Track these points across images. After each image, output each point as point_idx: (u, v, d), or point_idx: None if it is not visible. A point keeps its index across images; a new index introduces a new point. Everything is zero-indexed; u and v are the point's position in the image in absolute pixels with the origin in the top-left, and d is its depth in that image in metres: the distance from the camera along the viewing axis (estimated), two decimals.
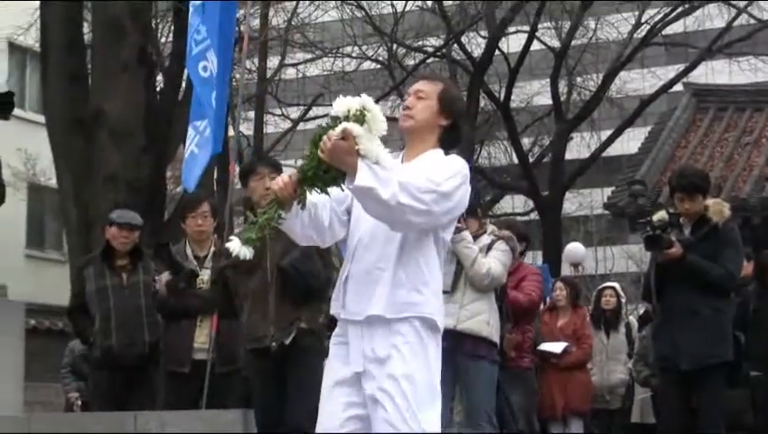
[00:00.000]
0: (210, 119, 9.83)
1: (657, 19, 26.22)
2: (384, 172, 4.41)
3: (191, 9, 10.20)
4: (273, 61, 25.44)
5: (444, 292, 8.37)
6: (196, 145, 9.96)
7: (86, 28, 17.58)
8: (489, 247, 8.61)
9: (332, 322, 4.96)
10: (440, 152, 4.87)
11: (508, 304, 9.03)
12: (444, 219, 4.67)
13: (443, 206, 4.56)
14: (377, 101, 17.25)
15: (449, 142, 4.95)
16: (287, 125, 27.55)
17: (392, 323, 4.60)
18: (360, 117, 4.45)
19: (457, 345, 8.41)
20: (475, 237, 8.63)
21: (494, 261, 8.52)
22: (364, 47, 26.95)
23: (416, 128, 4.91)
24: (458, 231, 8.48)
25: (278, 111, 27.66)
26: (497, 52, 26.09)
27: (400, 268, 4.63)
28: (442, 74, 27.52)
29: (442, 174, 4.60)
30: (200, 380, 8.48)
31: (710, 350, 8.33)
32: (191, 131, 10.08)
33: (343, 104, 4.51)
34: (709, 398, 8.43)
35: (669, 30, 26.99)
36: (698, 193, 8.45)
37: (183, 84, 17.26)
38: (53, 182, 18.26)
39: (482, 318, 8.49)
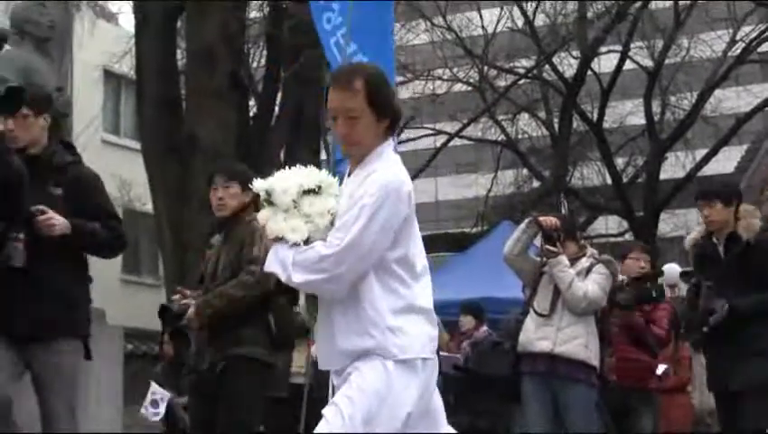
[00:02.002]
0: None
1: (752, 36, 25.85)
2: (282, 252, 4.31)
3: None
4: None
5: (542, 315, 8.44)
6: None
7: (179, 55, 17.77)
8: (588, 270, 8.52)
9: None
10: (380, 153, 4.46)
11: (608, 326, 8.91)
12: (363, 265, 4.32)
13: (350, 261, 4.27)
14: (468, 124, 17.25)
15: (391, 130, 4.54)
16: None
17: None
18: (267, 199, 4.39)
19: (554, 369, 8.35)
20: (574, 260, 8.55)
21: (592, 285, 8.42)
22: (455, 69, 26.88)
23: (365, 149, 4.47)
24: (554, 254, 8.41)
25: None
26: (589, 73, 25.90)
27: (341, 319, 4.39)
28: (531, 94, 27.41)
29: (351, 217, 4.30)
30: (298, 404, 8.47)
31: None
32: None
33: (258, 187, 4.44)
34: None
35: (764, 47, 26.58)
36: (717, 199, 7.99)
37: (276, 109, 17.34)
38: (149, 207, 18.45)
39: (580, 342, 8.40)
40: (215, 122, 15.02)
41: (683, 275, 8.13)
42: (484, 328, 12.47)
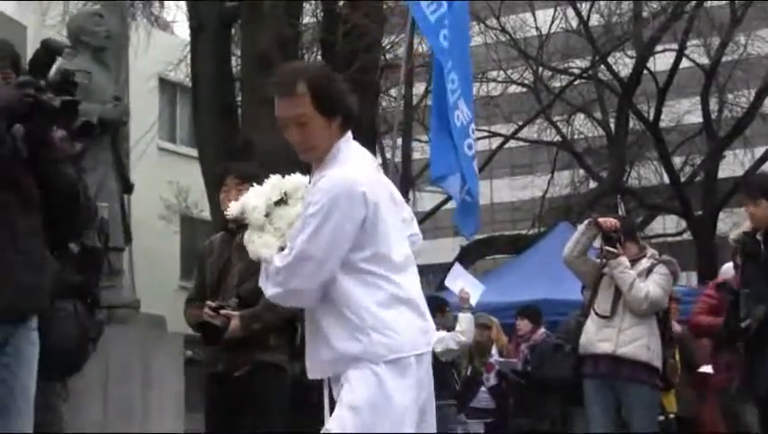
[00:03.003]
0: (464, 167, 9.82)
1: None
2: (263, 269, 4.31)
3: (438, 53, 10.15)
4: (419, 88, 25.46)
5: (603, 317, 8.39)
6: (467, 193, 9.95)
7: (234, 61, 17.85)
8: (649, 271, 8.46)
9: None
10: (336, 154, 4.32)
11: (671, 328, 8.84)
12: (320, 275, 4.19)
13: (302, 272, 4.18)
14: (523, 126, 17.17)
15: (347, 126, 4.38)
16: None
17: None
18: (243, 221, 4.38)
19: (616, 370, 8.32)
20: (635, 260, 8.50)
21: (653, 285, 8.37)
22: (509, 71, 26.82)
23: (324, 152, 4.33)
24: (615, 256, 8.36)
25: (425, 138, 27.66)
26: (645, 72, 25.72)
27: (326, 327, 4.27)
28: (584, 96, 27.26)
29: (296, 230, 4.21)
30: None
31: None
32: (453, 180, 10.02)
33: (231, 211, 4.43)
34: None
35: None
36: (762, 196, 7.71)
37: None
38: (205, 214, 18.53)
39: (642, 343, 8.35)
40: (271, 128, 14.85)
41: None
42: (542, 331, 12.40)
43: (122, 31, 11.55)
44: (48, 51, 5.38)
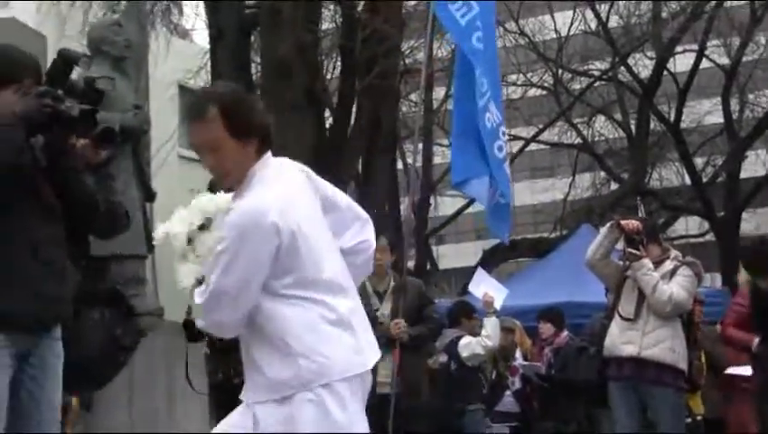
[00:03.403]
0: (495, 169, 9.81)
1: None
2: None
3: (470, 57, 10.14)
4: (438, 93, 25.45)
5: (627, 319, 8.36)
6: (500, 195, 9.94)
7: (253, 69, 17.85)
8: (672, 272, 8.42)
9: None
10: (250, 180, 4.20)
11: (695, 330, 8.79)
12: (239, 308, 4.09)
13: (220, 308, 4.11)
14: (543, 128, 17.12)
15: (264, 148, 4.25)
16: None
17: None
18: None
19: (641, 373, 8.29)
20: (658, 262, 8.46)
21: (677, 287, 8.33)
22: (529, 74, 26.77)
23: (240, 177, 4.21)
24: (637, 258, 8.32)
25: (446, 142, 27.66)
26: (665, 73, 25.64)
27: (257, 353, 4.20)
28: (606, 96, 27.17)
29: (210, 266, 4.11)
30: (385, 414, 8.47)
31: None
32: (476, 184, 9.99)
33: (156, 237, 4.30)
34: None
35: None
36: None
37: (352, 121, 17.36)
38: None
39: (666, 345, 8.32)
40: (292, 134, 15.02)
41: None
42: (565, 334, 12.39)
43: (141, 39, 11.58)
44: (65, 60, 5.38)
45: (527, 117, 27.88)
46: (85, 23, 18.01)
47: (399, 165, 23.62)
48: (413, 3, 19.41)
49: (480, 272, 11.59)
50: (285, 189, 4.20)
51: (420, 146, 25.30)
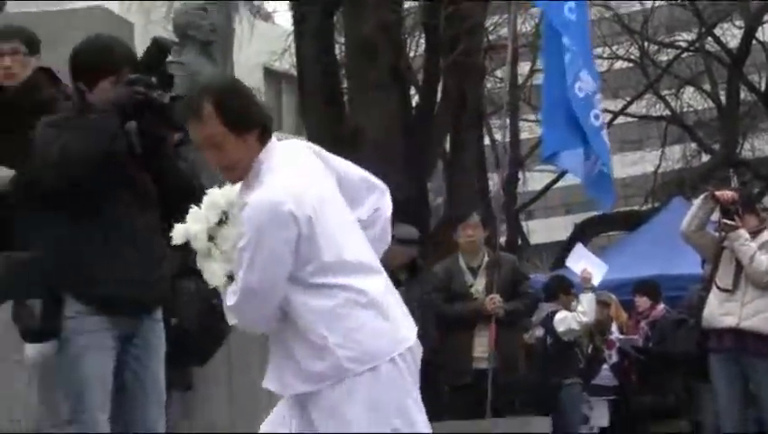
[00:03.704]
0: (592, 138, 9.77)
1: None
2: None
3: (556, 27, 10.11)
4: (523, 68, 25.31)
5: (725, 291, 8.26)
6: (602, 164, 9.91)
7: (338, 48, 17.89)
8: None
9: None
10: (258, 172, 4.12)
11: None
12: (269, 302, 4.04)
13: (251, 306, 4.04)
14: (631, 101, 16.90)
15: (266, 135, 4.16)
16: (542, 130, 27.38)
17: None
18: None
19: (741, 344, 8.21)
20: (755, 233, 8.36)
21: None
22: (615, 47, 26.49)
23: (245, 170, 4.14)
24: (733, 229, 8.22)
25: (532, 117, 27.53)
26: (754, 42, 25.23)
27: (291, 344, 4.10)
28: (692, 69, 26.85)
29: (236, 266, 4.04)
30: (482, 389, 8.47)
31: None
32: (567, 156, 9.94)
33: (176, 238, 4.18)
34: None
35: None
36: None
37: (438, 97, 17.33)
38: None
39: (766, 316, 8.21)
40: (378, 114, 15.06)
41: None
42: (661, 307, 12.27)
43: (227, 23, 11.60)
44: (159, 48, 5.42)
45: (614, 89, 27.60)
46: (170, 9, 18.17)
47: (486, 142, 23.47)
48: None
49: (579, 247, 11.53)
50: (295, 174, 4.11)
51: (507, 121, 25.25)
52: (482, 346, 8.71)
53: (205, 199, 4.16)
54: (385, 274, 4.23)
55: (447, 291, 9.04)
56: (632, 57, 26.59)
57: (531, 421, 8.20)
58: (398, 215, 7.68)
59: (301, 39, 16.99)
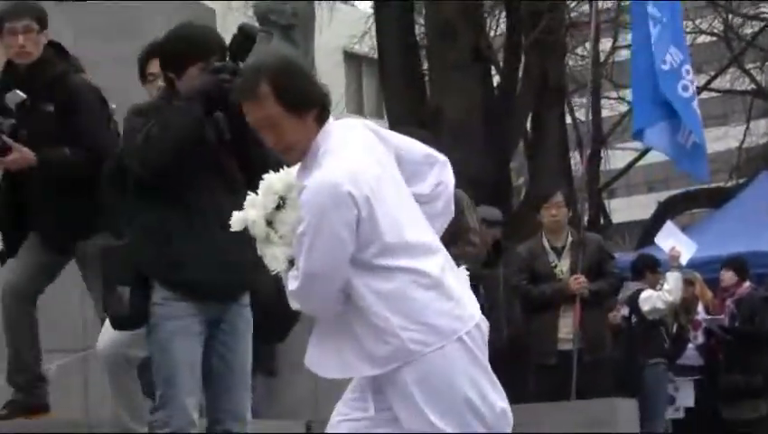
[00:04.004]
0: (681, 109, 9.71)
1: None
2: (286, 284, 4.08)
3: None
4: (605, 45, 25.08)
5: None
6: (696, 136, 9.87)
7: (417, 30, 17.87)
8: None
9: None
10: (316, 153, 4.05)
11: None
12: (332, 286, 3.99)
13: (314, 291, 4.00)
14: (715, 76, 16.69)
15: (324, 115, 4.08)
16: (624, 108, 27.13)
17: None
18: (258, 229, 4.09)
19: None
20: None
21: None
22: (698, 20, 26.14)
23: (303, 151, 4.07)
24: None
25: (614, 95, 27.30)
26: None
27: (356, 327, 4.04)
28: None
29: (297, 250, 3.99)
30: (567, 370, 8.45)
31: None
32: (652, 132, 9.89)
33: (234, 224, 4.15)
34: None
35: None
36: None
37: (520, 76, 17.26)
38: None
39: None
40: (460, 95, 15.05)
41: None
42: (747, 284, 12.11)
43: (308, 7, 11.65)
44: (246, 35, 5.45)
45: (697, 64, 27.23)
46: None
47: (568, 120, 23.30)
48: None
49: (669, 225, 11.43)
50: (353, 155, 4.04)
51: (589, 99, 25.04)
52: (566, 327, 8.68)
53: (262, 184, 4.10)
54: (445, 252, 4.18)
55: (531, 272, 9.02)
56: (716, 30, 26.23)
57: (617, 403, 8.14)
58: (481, 196, 7.74)
59: (381, 21, 17.00)
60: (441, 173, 4.35)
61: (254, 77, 4.04)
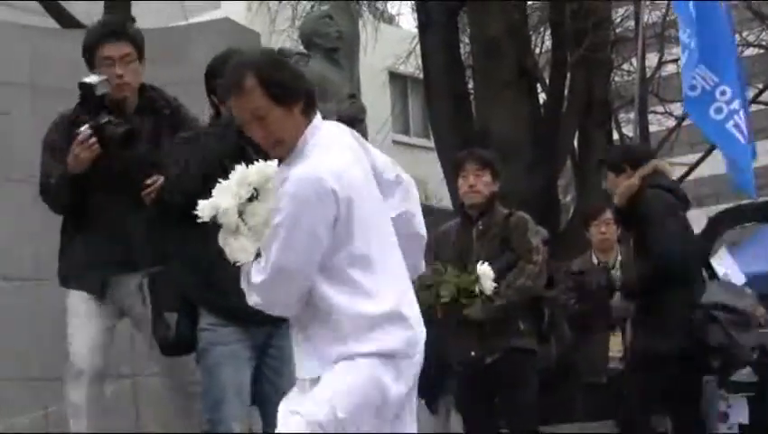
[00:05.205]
0: (715, 134, 9.69)
1: None
2: (244, 276, 4.03)
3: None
4: (651, 60, 24.96)
5: None
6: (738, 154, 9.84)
7: (462, 48, 17.86)
8: None
9: None
10: (302, 147, 4.01)
11: None
12: (297, 284, 3.94)
13: (279, 284, 3.94)
14: (764, 89, 16.52)
15: (310, 110, 4.06)
16: (671, 122, 26.99)
17: None
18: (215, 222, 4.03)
19: None
20: None
21: None
22: (745, 33, 25.98)
23: (291, 143, 4.02)
24: None
25: (660, 109, 27.15)
26: None
27: (311, 330, 4.05)
28: None
29: (268, 240, 3.93)
30: (618, 389, 8.39)
31: None
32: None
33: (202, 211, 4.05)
34: None
35: None
36: None
37: (566, 93, 17.20)
38: (445, 202, 18.60)
39: None
40: (506, 113, 15.02)
41: None
42: None
43: (353, 29, 11.69)
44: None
45: (745, 76, 27.05)
46: (294, 18, 18.34)
47: (615, 136, 23.19)
48: None
49: (722, 251, 11.33)
50: (339, 155, 4.02)
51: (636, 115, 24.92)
52: (617, 346, 8.62)
53: (234, 174, 4.04)
54: (405, 273, 4.15)
55: (581, 290, 8.98)
56: (764, 43, 26.07)
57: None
58: (529, 214, 7.71)
59: (426, 41, 17.00)
60: (404, 199, 4.35)
61: (239, 71, 4.02)
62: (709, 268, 8.16)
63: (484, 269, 6.93)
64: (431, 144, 19.13)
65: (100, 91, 5.85)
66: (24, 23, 10.75)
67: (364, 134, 11.12)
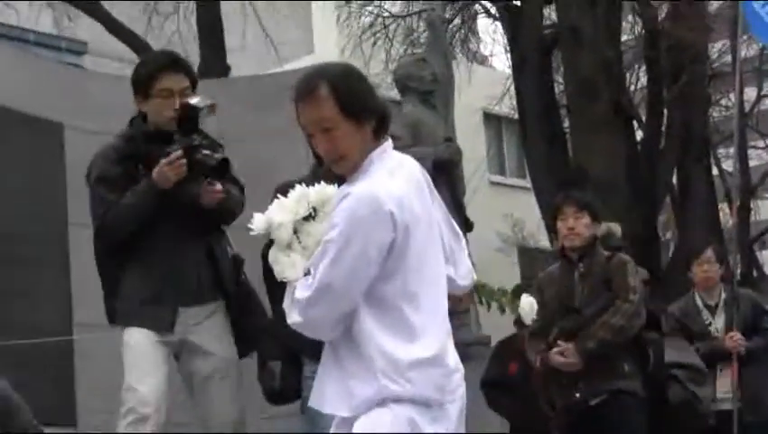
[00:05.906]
0: None
1: None
2: (288, 294, 3.79)
3: None
4: (749, 94, 24.68)
5: None
6: None
7: (556, 88, 17.84)
8: None
9: None
10: (368, 167, 3.81)
11: None
12: (340, 307, 3.70)
13: (322, 304, 3.70)
14: None
15: (382, 131, 3.85)
16: None
17: None
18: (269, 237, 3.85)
19: None
20: None
21: None
22: None
23: (356, 161, 3.81)
24: None
25: (761, 144, 26.80)
26: None
27: (346, 361, 3.79)
28: None
29: (317, 257, 3.71)
30: (727, 431, 8.23)
31: None
32: None
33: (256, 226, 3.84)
34: None
35: None
36: None
37: (663, 129, 17.07)
38: (543, 243, 18.52)
39: None
40: (603, 152, 14.90)
41: None
42: None
43: (447, 72, 11.69)
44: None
45: None
46: (388, 61, 18.44)
47: (714, 172, 22.95)
48: (717, 4, 18.91)
49: None
50: (404, 182, 3.80)
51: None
52: (724, 386, 8.46)
53: (294, 192, 3.86)
54: (446, 315, 3.94)
55: (685, 331, 8.83)
56: None
57: None
58: (629, 254, 7.62)
59: (520, 81, 16.99)
60: (460, 266, 4.14)
61: (314, 79, 3.82)
62: None
63: (527, 301, 6.87)
64: (527, 183, 19.09)
65: (207, 116, 5.64)
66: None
67: (461, 177, 11.15)
